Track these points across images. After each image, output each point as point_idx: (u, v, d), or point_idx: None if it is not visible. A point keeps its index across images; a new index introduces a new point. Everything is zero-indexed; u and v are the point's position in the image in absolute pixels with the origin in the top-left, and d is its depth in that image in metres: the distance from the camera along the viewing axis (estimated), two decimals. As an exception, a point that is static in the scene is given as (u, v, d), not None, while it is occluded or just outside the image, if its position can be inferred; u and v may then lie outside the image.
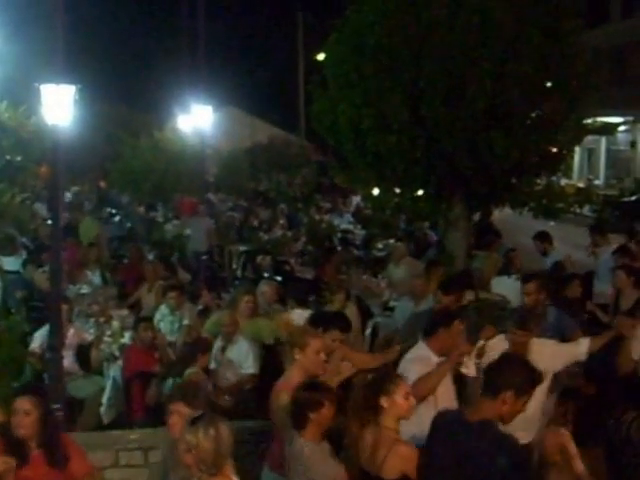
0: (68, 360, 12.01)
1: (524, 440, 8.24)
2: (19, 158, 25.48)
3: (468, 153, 14.71)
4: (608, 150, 49.65)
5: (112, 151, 33.90)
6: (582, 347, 8.64)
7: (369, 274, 18.43)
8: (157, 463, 7.06)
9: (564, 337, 9.17)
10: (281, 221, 28.53)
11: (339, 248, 22.17)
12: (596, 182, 48.38)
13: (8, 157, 24.78)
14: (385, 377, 6.96)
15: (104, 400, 11.83)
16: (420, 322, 9.46)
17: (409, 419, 6.89)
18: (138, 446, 9.52)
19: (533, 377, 6.28)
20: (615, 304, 12.19)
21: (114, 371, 12.08)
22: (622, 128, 45.53)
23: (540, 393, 8.35)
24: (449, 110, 14.51)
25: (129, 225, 27.22)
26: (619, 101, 39.39)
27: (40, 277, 15.42)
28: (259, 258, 20.08)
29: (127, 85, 52.60)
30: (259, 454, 8.21)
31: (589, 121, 16.77)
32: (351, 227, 28.70)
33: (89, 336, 13.12)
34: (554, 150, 16.11)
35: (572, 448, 6.46)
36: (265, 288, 13.80)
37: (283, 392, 7.38)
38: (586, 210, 34.52)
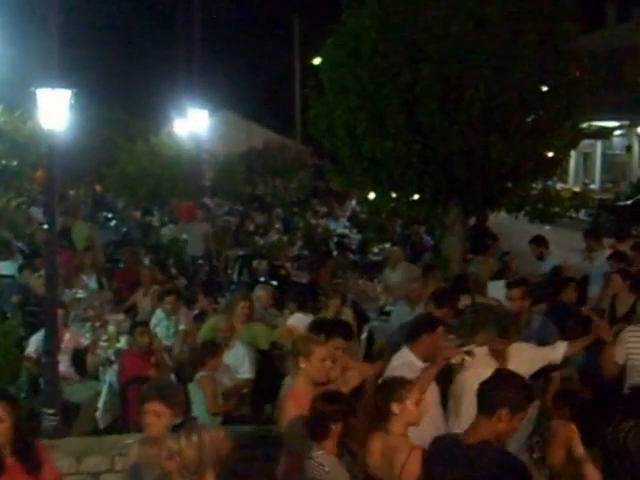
0: (64, 365, 11.96)
1: None
2: (15, 163, 25.50)
3: (464, 158, 14.73)
4: (604, 154, 49.65)
5: (108, 155, 33.85)
6: (559, 351, 8.68)
7: (365, 278, 18.43)
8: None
9: (548, 344, 9.16)
10: (277, 225, 28.52)
11: (335, 252, 22.16)
12: (592, 186, 48.42)
13: (4, 162, 24.80)
14: (396, 382, 6.86)
15: (100, 405, 11.80)
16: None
17: (418, 425, 6.83)
18: (134, 451, 9.49)
19: (527, 393, 6.24)
20: (611, 308, 12.17)
21: (110, 376, 12.04)
22: (618, 132, 45.56)
23: None
24: (445, 115, 14.53)
25: (125, 230, 27.19)
26: (615, 105, 39.43)
27: (36, 282, 15.39)
28: (255, 262, 20.06)
29: (123, 89, 52.57)
30: (267, 472, 8.10)
31: (585, 125, 16.82)
32: (347, 231, 28.68)
33: (85, 341, 13.08)
34: (550, 154, 16.14)
35: (579, 447, 6.39)
36: (261, 293, 13.82)
37: (290, 402, 7.32)
38: (582, 214, 34.61)
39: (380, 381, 7.08)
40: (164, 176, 29.53)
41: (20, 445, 6.74)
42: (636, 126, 45.46)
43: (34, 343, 12.28)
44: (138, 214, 29.99)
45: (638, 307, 11.52)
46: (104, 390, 11.91)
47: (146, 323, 12.75)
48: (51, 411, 10.76)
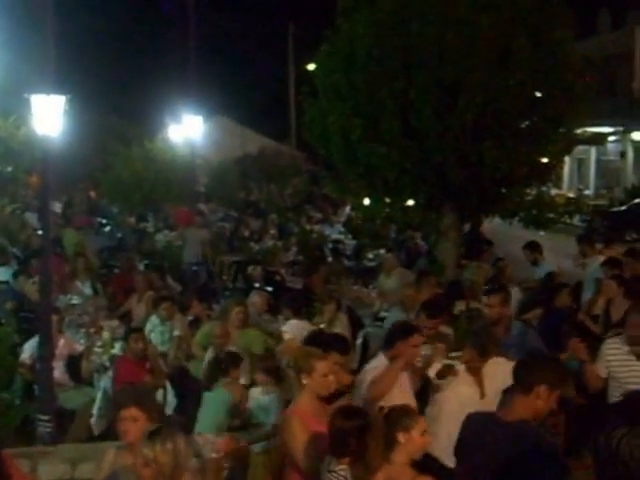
0: (58, 371, 11.95)
1: None
2: (9, 168, 25.48)
3: (458, 163, 14.75)
4: (598, 160, 49.74)
5: (102, 161, 33.82)
6: None
7: (360, 284, 18.43)
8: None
9: (528, 350, 9.19)
10: (272, 231, 28.48)
11: (330, 258, 22.15)
12: (586, 192, 48.46)
13: (-1, 168, 24.81)
14: (403, 412, 6.77)
15: (95, 411, 11.78)
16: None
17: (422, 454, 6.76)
18: (129, 457, 9.47)
19: (563, 372, 6.26)
20: (606, 314, 12.18)
21: (105, 382, 12.03)
22: (612, 138, 45.67)
23: (486, 408, 8.45)
24: (439, 121, 14.55)
25: (119, 235, 27.16)
26: (609, 111, 39.49)
27: (31, 288, 15.37)
28: (250, 268, 20.05)
29: (118, 95, 52.58)
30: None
31: (579, 131, 16.83)
32: (342, 237, 28.65)
33: (79, 347, 13.07)
34: (544, 160, 16.16)
35: None
36: (256, 299, 13.82)
37: (294, 418, 7.21)
38: (576, 220, 34.61)
39: (386, 410, 7.00)
40: (159, 182, 29.47)
41: None
42: (630, 132, 45.56)
43: (28, 349, 12.28)
44: (133, 220, 29.96)
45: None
46: (99, 396, 11.89)
47: (141, 329, 12.74)
48: (46, 417, 10.74)
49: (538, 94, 15.46)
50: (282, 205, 39.27)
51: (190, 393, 11.74)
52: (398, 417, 6.67)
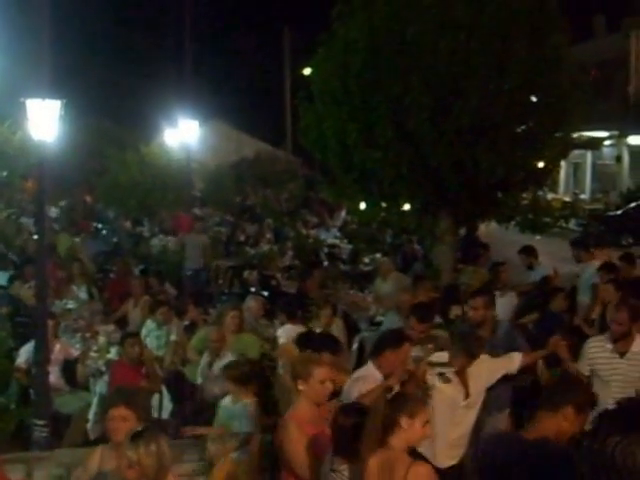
0: (54, 375, 11.95)
1: (456, 457, 8.29)
2: (5, 173, 25.46)
3: (454, 168, 14.75)
4: (594, 164, 49.79)
5: (98, 166, 33.82)
6: (515, 362, 8.81)
7: (356, 289, 18.43)
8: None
9: (515, 350, 9.22)
10: (268, 236, 28.48)
11: (326, 263, 22.15)
12: (582, 196, 48.52)
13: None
14: (409, 398, 6.71)
15: (90, 416, 11.75)
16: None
17: (418, 447, 6.76)
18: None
19: (592, 398, 6.27)
20: (601, 318, 12.19)
21: (100, 387, 12.00)
22: (607, 142, 45.71)
23: (472, 411, 8.48)
24: (434, 126, 14.55)
25: (115, 240, 27.16)
26: (604, 116, 39.52)
27: (27, 293, 15.37)
28: (246, 273, 20.07)
29: (114, 99, 52.51)
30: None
31: (575, 136, 16.85)
32: (338, 242, 28.65)
33: (75, 351, 13.06)
34: (540, 165, 16.18)
35: None
36: (251, 303, 13.81)
37: (292, 424, 7.12)
38: (572, 224, 34.65)
39: (393, 394, 6.94)
40: (154, 186, 29.46)
41: None
42: (626, 136, 45.58)
43: (24, 354, 12.26)
44: (128, 224, 29.97)
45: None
46: (95, 401, 11.87)
47: (136, 334, 12.73)
48: (41, 422, 10.73)
49: (534, 99, 15.47)
50: (278, 210, 39.25)
51: (186, 398, 11.76)
52: (404, 402, 6.57)
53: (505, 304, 13.20)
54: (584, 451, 4.43)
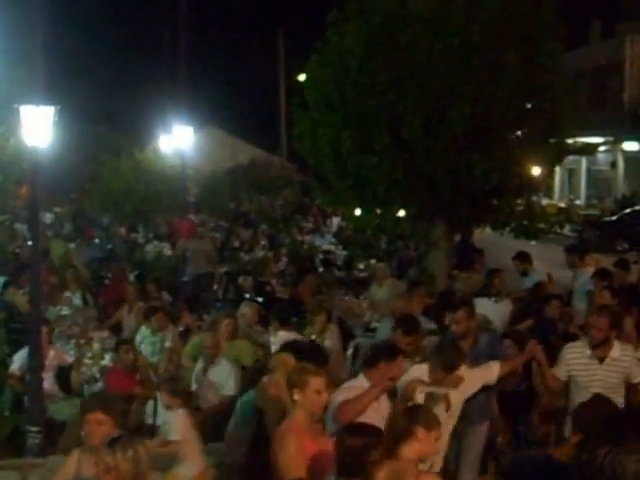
0: (48, 382, 11.91)
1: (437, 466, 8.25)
2: (-1, 180, 25.40)
3: (448, 175, 14.75)
4: (589, 170, 49.86)
5: (92, 172, 33.75)
6: (493, 371, 8.90)
7: (351, 295, 18.41)
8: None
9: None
10: (262, 242, 28.46)
11: (321, 269, 22.13)
12: (577, 202, 48.61)
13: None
14: (428, 411, 6.71)
15: (84, 422, 11.72)
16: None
17: (425, 461, 6.73)
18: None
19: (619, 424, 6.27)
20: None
21: (94, 393, 12.00)
22: (602, 148, 45.74)
23: (451, 421, 8.48)
24: (429, 132, 14.56)
25: (110, 246, 27.10)
26: (599, 122, 39.59)
27: (21, 299, 15.32)
28: (241, 279, 20.03)
29: (108, 105, 52.46)
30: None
31: (569, 142, 16.84)
32: (333, 248, 28.63)
33: (69, 358, 13.03)
34: (535, 171, 16.19)
35: None
36: (246, 310, 13.79)
37: (289, 435, 6.98)
38: (567, 230, 34.70)
39: (410, 404, 6.89)
40: (149, 192, 29.44)
41: None
42: (621, 142, 45.67)
43: (18, 360, 12.24)
44: (123, 231, 29.92)
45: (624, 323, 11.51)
46: (89, 408, 11.83)
47: (131, 340, 12.74)
48: (35, 429, 10.71)
49: (528, 105, 15.48)
50: (273, 216, 39.23)
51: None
52: (422, 413, 6.57)
53: (500, 310, 13.20)
54: (573, 461, 4.44)
